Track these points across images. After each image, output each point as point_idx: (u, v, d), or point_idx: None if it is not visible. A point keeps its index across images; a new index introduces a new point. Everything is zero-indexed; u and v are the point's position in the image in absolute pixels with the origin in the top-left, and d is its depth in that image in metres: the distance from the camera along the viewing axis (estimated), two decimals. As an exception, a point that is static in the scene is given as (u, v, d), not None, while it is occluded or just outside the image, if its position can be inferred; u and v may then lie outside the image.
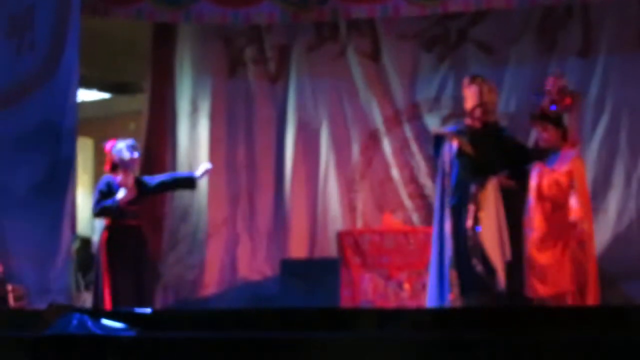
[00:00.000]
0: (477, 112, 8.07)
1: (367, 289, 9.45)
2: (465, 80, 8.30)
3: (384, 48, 10.63)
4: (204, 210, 10.67)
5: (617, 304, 8.82)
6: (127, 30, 11.11)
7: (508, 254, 7.70)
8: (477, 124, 8.08)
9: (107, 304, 8.34)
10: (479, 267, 7.72)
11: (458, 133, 8.19)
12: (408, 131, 10.51)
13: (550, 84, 7.97)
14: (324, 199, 10.60)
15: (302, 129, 10.73)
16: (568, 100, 7.82)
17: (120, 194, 8.45)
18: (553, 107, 7.80)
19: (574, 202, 7.52)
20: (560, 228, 7.57)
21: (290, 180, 10.69)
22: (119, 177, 8.57)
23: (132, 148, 8.62)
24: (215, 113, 10.84)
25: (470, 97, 8.16)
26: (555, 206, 7.59)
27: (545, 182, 7.62)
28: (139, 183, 8.67)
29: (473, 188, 7.84)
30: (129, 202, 8.52)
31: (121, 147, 8.61)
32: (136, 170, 8.95)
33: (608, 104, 9.83)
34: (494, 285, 7.71)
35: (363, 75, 10.63)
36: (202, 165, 8.81)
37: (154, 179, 8.81)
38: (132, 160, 8.61)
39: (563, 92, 7.86)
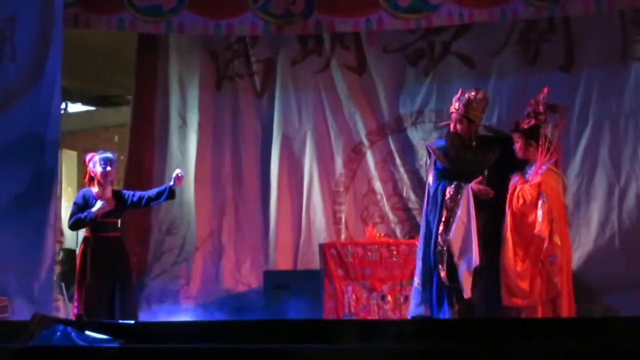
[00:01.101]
0: (450, 121, 8.12)
1: (350, 301, 9.48)
2: None
3: (369, 61, 10.67)
4: (190, 223, 10.70)
5: (598, 315, 8.91)
6: (111, 43, 11.13)
7: (476, 260, 7.70)
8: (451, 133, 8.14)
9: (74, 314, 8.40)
10: (442, 274, 7.74)
11: (438, 145, 8.24)
12: (392, 144, 10.57)
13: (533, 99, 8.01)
14: (308, 211, 10.63)
15: (287, 142, 10.77)
16: (541, 110, 7.85)
17: (97, 206, 8.46)
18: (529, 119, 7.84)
19: (539, 214, 7.55)
20: (527, 240, 7.60)
21: (276, 192, 10.73)
22: (96, 190, 8.59)
23: (105, 161, 8.57)
24: (203, 126, 10.89)
25: None
26: (522, 217, 7.63)
27: (516, 194, 7.67)
28: (117, 196, 8.67)
29: (447, 195, 7.88)
30: (108, 215, 8.54)
31: (95, 160, 8.62)
32: (113, 183, 8.92)
33: (590, 117, 9.93)
34: (459, 294, 7.72)
35: (347, 88, 10.67)
36: (174, 173, 8.72)
37: (136, 193, 8.76)
38: (104, 173, 8.54)
39: (537, 104, 7.89)
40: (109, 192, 8.55)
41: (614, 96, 9.89)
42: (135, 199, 8.66)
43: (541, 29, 10.14)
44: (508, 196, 7.69)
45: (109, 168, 8.57)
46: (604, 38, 9.95)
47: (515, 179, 7.75)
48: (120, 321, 7.65)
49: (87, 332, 6.06)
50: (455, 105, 8.05)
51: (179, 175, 8.57)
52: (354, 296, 9.49)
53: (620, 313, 8.99)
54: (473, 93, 8.08)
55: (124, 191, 8.85)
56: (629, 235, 9.65)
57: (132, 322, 7.25)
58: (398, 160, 10.51)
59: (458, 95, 8.06)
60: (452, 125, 8.09)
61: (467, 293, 7.69)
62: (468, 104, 8.00)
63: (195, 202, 10.71)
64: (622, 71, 9.89)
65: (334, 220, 10.62)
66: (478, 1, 9.72)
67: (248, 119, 10.92)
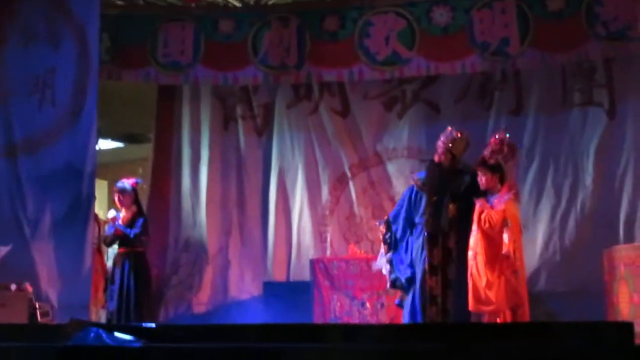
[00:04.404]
0: (435, 154, 8.21)
1: (335, 307, 9.48)
2: None
3: (352, 106, 10.73)
4: (203, 241, 10.73)
5: (543, 320, 8.92)
6: (136, 90, 11.22)
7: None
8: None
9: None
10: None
11: (419, 176, 8.35)
12: (371, 175, 10.61)
13: (493, 137, 8.05)
14: (299, 232, 10.67)
15: (283, 173, 10.81)
16: (505, 150, 7.88)
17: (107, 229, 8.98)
18: (491, 156, 7.86)
19: (505, 237, 7.58)
20: (494, 257, 7.62)
21: (273, 215, 10.76)
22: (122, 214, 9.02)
23: (115, 191, 8.91)
24: (212, 160, 10.94)
25: None
26: (489, 238, 7.66)
27: (482, 217, 7.69)
28: (133, 219, 8.95)
29: None
30: (127, 233, 8.86)
31: None
32: (139, 206, 9.16)
33: (537, 153, 9.99)
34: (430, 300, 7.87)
35: (333, 128, 10.72)
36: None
37: (132, 233, 9.01)
38: (116, 201, 9.02)
39: (502, 143, 7.92)
40: (128, 215, 8.74)
41: (556, 136, 9.95)
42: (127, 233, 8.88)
43: (496, 80, 10.22)
44: (476, 218, 7.71)
45: (115, 197, 8.94)
46: (548, 88, 10.03)
47: (479, 203, 7.76)
48: (143, 324, 7.65)
49: (115, 334, 6.06)
50: (442, 140, 8.11)
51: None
52: (338, 303, 9.50)
53: (559, 317, 9.05)
54: (458, 133, 8.14)
55: (139, 222, 8.99)
56: (568, 253, 9.71)
57: (153, 324, 7.24)
58: (377, 189, 10.55)
59: (447, 132, 8.12)
60: (436, 157, 8.15)
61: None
62: (453, 141, 8.05)
63: (206, 224, 10.74)
64: (563, 116, 9.95)
65: (321, 239, 10.63)
66: (442, 56, 9.82)
67: (250, 154, 10.95)
